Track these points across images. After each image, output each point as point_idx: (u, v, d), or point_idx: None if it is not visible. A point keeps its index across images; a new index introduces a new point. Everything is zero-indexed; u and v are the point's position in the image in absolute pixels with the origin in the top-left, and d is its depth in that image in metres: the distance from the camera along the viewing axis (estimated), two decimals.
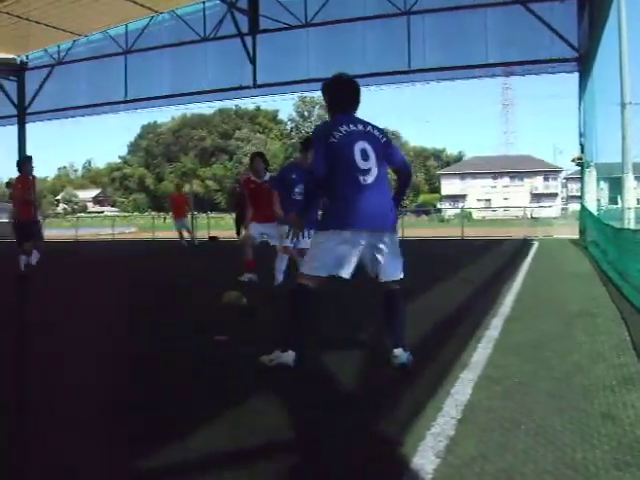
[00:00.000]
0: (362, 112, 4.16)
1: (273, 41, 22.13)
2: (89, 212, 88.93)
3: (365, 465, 2.57)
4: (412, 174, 4.37)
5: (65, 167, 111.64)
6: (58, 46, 25.69)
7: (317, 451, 2.73)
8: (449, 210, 64.16)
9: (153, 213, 58.74)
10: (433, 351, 4.48)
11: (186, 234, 19.46)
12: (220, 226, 34.17)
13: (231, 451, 2.73)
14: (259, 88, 23.02)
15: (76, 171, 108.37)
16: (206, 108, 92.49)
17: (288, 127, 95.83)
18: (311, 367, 4.14)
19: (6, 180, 54.25)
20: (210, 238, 23.73)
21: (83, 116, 26.70)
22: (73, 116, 26.88)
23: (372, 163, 3.86)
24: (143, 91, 24.79)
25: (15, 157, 27.80)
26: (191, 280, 10.19)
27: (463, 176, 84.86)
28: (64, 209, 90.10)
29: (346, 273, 3.87)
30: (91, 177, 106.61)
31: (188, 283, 9.70)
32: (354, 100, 4.11)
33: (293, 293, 4.02)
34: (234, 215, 21.30)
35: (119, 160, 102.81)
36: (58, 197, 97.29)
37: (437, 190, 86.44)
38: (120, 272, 12.18)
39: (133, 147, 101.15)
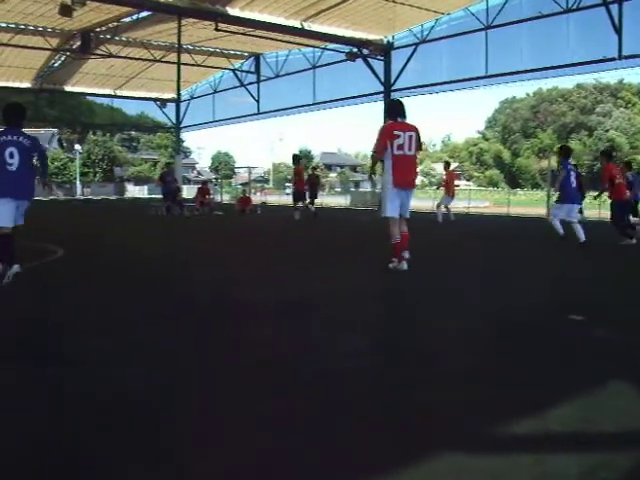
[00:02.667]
0: None
1: None
2: None
3: None
4: (47, 165, 7.47)
5: (424, 142, 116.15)
6: (422, 25, 27.01)
7: None
8: None
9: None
10: None
11: (443, 209, 19.25)
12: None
13: (580, 431, 2.69)
14: (624, 60, 21.62)
15: (434, 145, 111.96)
16: (564, 82, 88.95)
17: None
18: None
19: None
20: None
21: (443, 92, 27.83)
22: (435, 92, 28.09)
23: (15, 159, 6.57)
24: (502, 66, 24.90)
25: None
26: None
27: None
28: (421, 181, 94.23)
29: (8, 223, 6.59)
30: (449, 151, 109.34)
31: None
32: (15, 120, 6.84)
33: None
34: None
35: (477, 135, 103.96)
36: (417, 170, 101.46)
37: None
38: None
39: (491, 122, 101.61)
